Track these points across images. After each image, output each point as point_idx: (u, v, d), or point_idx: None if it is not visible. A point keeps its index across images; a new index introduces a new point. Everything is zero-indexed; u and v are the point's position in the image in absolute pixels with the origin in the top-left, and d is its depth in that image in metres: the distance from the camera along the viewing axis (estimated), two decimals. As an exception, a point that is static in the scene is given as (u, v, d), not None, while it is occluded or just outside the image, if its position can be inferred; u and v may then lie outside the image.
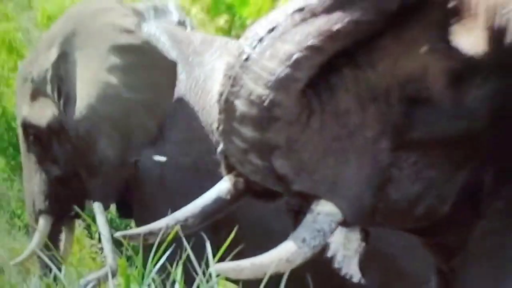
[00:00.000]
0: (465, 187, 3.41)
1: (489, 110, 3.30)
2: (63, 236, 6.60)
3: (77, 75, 6.03)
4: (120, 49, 5.97)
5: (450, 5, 3.22)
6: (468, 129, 3.31)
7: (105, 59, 5.87)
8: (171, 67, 6.03)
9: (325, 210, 3.33)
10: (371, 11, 3.16)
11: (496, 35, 3.19)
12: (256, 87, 3.17)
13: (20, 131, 6.48)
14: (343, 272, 3.94)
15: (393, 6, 3.17)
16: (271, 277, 3.44)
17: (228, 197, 3.47)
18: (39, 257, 6.15)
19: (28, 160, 6.31)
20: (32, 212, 6.43)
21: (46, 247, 6.09)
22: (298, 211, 3.43)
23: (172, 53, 6.30)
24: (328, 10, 3.16)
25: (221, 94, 3.27)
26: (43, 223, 6.35)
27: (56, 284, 4.28)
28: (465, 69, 3.25)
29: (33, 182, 6.34)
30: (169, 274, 3.89)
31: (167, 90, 6.16)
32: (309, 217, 3.33)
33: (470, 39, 3.29)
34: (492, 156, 3.38)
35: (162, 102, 6.07)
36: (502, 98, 3.31)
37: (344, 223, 3.37)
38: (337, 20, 3.13)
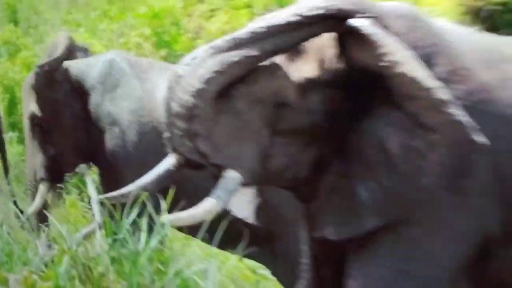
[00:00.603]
0: (313, 160, 4.71)
1: (322, 110, 4.64)
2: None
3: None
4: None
5: (296, 48, 4.69)
6: (310, 122, 4.62)
7: None
8: None
9: (231, 176, 4.57)
10: (256, 50, 4.49)
11: (321, 64, 4.66)
12: (184, 95, 4.55)
13: (27, 123, 7.97)
14: (240, 216, 5.23)
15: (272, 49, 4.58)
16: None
17: (174, 168, 4.71)
18: (39, 214, 7.77)
19: (32, 143, 7.92)
20: (33, 180, 8.04)
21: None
22: (216, 177, 4.60)
23: (128, 72, 7.79)
24: (229, 49, 4.49)
25: (165, 99, 4.61)
26: (43, 188, 7.84)
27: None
28: (307, 85, 4.63)
29: (35, 158, 7.87)
30: (138, 225, 4.95)
31: None
32: (222, 181, 4.56)
33: (309, 67, 4.66)
34: (327, 140, 4.67)
35: None
36: (330, 102, 4.65)
37: (244, 184, 4.63)
38: (234, 55, 4.46)
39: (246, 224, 5.21)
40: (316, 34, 4.51)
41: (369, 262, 4.55)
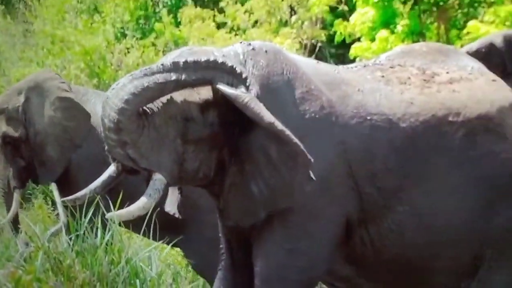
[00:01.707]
0: (217, 162, 4.70)
1: (219, 122, 4.65)
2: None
3: (35, 110, 7.49)
4: (59, 100, 7.62)
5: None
6: (211, 132, 4.64)
7: (51, 104, 7.52)
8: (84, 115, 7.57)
9: (158, 178, 4.57)
10: (163, 79, 4.49)
11: (215, 91, 4.63)
12: (111, 112, 4.47)
13: (-1, 141, 8.03)
14: (170, 211, 5.17)
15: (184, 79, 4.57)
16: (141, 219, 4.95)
17: (115, 174, 4.67)
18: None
19: (4, 157, 7.73)
20: (6, 188, 7.80)
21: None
22: (147, 179, 4.62)
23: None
24: (143, 76, 4.52)
25: (100, 116, 4.61)
26: (16, 195, 7.68)
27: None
28: (206, 104, 4.63)
29: (7, 170, 7.70)
30: (94, 223, 5.31)
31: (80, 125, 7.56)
32: (151, 182, 4.59)
33: (207, 91, 4.64)
34: (225, 146, 4.67)
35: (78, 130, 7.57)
36: (224, 116, 4.65)
37: (168, 184, 4.66)
38: (146, 81, 4.48)
39: (172, 216, 5.18)
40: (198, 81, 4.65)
41: (268, 244, 4.60)
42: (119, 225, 5.03)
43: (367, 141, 4.54)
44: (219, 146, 4.63)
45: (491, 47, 5.07)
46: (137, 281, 4.83)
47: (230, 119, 4.59)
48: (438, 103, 4.61)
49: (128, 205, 4.73)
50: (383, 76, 4.72)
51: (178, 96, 4.55)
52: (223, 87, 4.48)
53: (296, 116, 4.53)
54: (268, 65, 4.60)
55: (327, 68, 4.83)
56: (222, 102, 4.56)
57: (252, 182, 4.55)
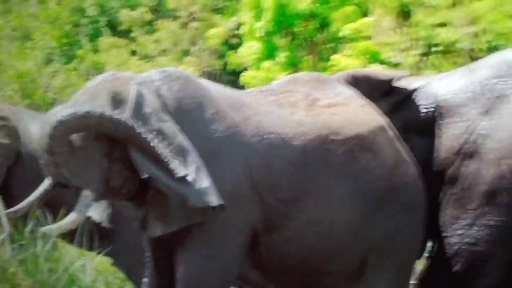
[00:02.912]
0: (139, 178, 4.27)
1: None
2: None
3: None
4: None
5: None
6: (109, 152, 4.31)
7: None
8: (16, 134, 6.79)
9: (86, 194, 4.25)
10: (88, 107, 4.24)
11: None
12: (46, 137, 4.19)
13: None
14: (98, 221, 4.82)
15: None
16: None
17: (50, 187, 4.33)
18: None
19: None
20: None
21: None
22: (78, 194, 4.27)
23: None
24: (73, 106, 4.29)
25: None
26: None
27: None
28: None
29: None
30: (35, 233, 4.99)
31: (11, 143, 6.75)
32: (80, 198, 4.28)
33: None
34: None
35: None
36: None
37: (95, 199, 4.35)
38: (76, 110, 4.20)
39: (101, 226, 4.91)
40: None
41: (187, 251, 4.37)
42: (57, 236, 4.74)
43: (266, 157, 4.41)
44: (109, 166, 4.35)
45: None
46: (74, 288, 4.71)
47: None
48: (321, 124, 4.54)
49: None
50: (275, 100, 4.64)
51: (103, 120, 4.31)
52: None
53: (207, 135, 4.38)
54: (181, 89, 4.44)
55: (230, 92, 4.73)
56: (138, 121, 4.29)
57: (171, 199, 4.30)
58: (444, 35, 9.84)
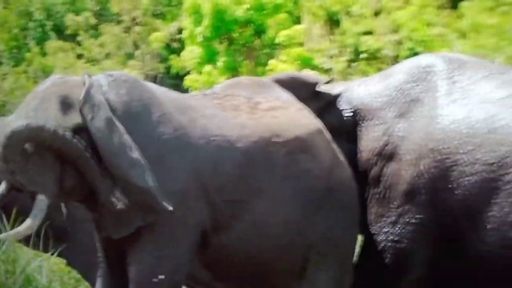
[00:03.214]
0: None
1: (89, 145, 4.14)
2: None
3: None
4: None
5: None
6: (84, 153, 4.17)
7: None
8: None
9: (41, 198, 4.09)
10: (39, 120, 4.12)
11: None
12: (1, 147, 4.02)
13: None
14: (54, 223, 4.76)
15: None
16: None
17: (5, 192, 4.18)
18: None
19: None
20: None
21: None
22: (33, 198, 4.12)
23: None
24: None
25: None
26: None
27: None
28: (76, 129, 4.12)
29: None
30: None
31: None
32: (36, 203, 4.11)
33: (79, 117, 4.15)
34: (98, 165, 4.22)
35: None
36: (91, 140, 4.18)
37: (50, 202, 4.13)
38: (26, 125, 4.05)
39: (55, 227, 4.85)
40: None
41: (139, 252, 4.29)
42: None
43: (213, 158, 4.33)
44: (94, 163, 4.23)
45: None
46: (30, 288, 4.58)
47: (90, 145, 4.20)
48: (263, 126, 4.51)
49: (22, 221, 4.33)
50: (219, 104, 4.57)
51: (52, 123, 4.16)
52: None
53: (154, 137, 4.29)
54: (128, 92, 4.34)
55: (176, 95, 4.61)
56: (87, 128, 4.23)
57: (126, 199, 4.17)
58: (370, 42, 10.13)
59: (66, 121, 4.20)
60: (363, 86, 4.80)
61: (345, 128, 4.74)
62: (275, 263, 4.52)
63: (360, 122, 4.70)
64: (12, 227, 4.46)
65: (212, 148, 4.36)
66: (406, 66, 4.70)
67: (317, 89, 4.86)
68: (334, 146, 4.66)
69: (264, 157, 4.46)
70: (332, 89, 4.89)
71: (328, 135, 4.66)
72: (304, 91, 4.89)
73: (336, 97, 4.82)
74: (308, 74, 5.65)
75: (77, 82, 4.36)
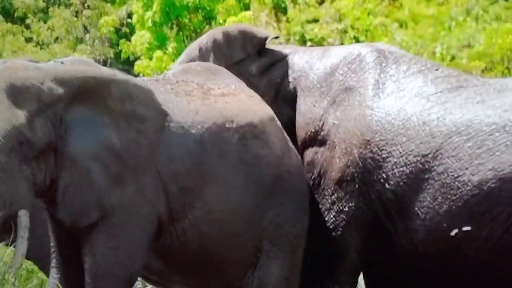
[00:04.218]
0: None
1: (47, 131, 4.08)
2: None
3: None
4: None
5: None
6: (45, 142, 4.06)
7: None
8: None
9: (21, 213, 4.06)
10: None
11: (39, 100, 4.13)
12: None
13: None
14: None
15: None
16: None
17: None
18: None
19: None
20: None
21: None
22: (14, 222, 4.07)
23: None
24: None
25: None
26: None
27: None
28: (30, 119, 4.04)
29: None
30: None
31: None
32: (18, 221, 4.06)
33: (30, 107, 4.07)
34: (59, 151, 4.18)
35: None
36: (50, 124, 4.12)
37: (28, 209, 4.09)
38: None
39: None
40: None
41: (94, 243, 4.28)
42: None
43: (168, 145, 4.34)
44: (54, 150, 4.18)
45: (214, 43, 5.03)
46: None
47: (59, 124, 4.16)
48: (217, 112, 4.53)
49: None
50: (172, 89, 4.56)
51: (7, 125, 4.09)
52: None
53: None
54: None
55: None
56: (49, 107, 4.14)
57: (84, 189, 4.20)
58: (315, 31, 10.34)
59: (17, 118, 4.10)
60: (307, 56, 4.86)
61: (285, 92, 4.82)
62: (227, 253, 4.55)
63: (300, 92, 4.78)
64: None
65: (166, 135, 4.35)
66: (342, 53, 4.78)
67: (266, 45, 4.89)
68: (284, 133, 4.74)
69: (218, 143, 4.48)
70: (280, 49, 4.96)
71: (278, 123, 4.73)
72: (252, 46, 4.94)
73: (283, 57, 4.88)
74: (258, 29, 5.47)
75: (27, 67, 4.23)
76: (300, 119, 4.79)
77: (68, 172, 4.19)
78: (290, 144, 4.74)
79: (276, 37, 5.18)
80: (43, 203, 4.34)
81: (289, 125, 4.77)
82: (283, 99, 4.84)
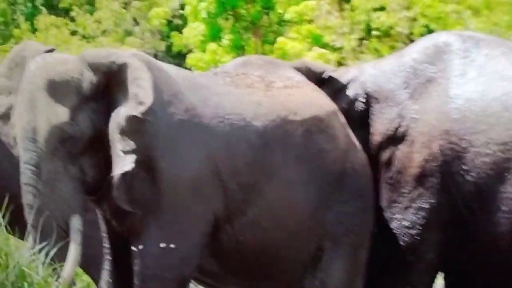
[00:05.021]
0: (105, 160, 4.26)
1: (93, 121, 4.27)
2: None
3: None
4: None
5: None
6: (90, 134, 4.21)
7: None
8: None
9: (75, 219, 4.26)
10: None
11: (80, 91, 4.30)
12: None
13: None
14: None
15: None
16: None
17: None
18: None
19: None
20: None
21: None
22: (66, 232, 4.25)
23: None
24: None
25: None
26: None
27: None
28: (72, 112, 4.19)
29: None
30: None
31: None
32: (70, 225, 4.24)
33: (71, 102, 4.22)
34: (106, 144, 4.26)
35: None
36: (96, 114, 4.29)
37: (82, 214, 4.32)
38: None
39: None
40: None
41: (144, 243, 4.31)
42: (6, 230, 4.43)
43: (227, 139, 4.38)
44: (102, 142, 4.26)
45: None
46: (25, 284, 4.41)
47: (104, 113, 4.24)
48: (280, 104, 4.58)
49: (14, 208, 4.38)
50: (232, 81, 4.62)
51: (47, 125, 4.20)
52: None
53: (165, 117, 4.31)
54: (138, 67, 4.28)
55: (186, 74, 4.69)
56: (91, 98, 4.24)
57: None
58: (382, 19, 10.37)
59: (57, 114, 4.18)
60: (377, 67, 4.98)
61: (356, 114, 4.86)
62: (288, 252, 4.54)
63: (373, 105, 4.83)
64: (4, 216, 4.39)
65: (225, 128, 4.39)
66: (420, 45, 4.88)
67: (326, 76, 5.01)
68: (349, 129, 4.77)
69: (281, 136, 4.50)
70: (342, 75, 5.06)
71: (343, 118, 4.75)
72: (313, 79, 5.00)
73: (345, 84, 4.98)
74: (315, 63, 5.72)
75: (78, 61, 4.32)
76: (374, 127, 4.82)
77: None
78: (355, 140, 4.75)
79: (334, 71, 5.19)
80: (92, 203, 4.41)
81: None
82: (353, 124, 4.84)
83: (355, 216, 4.68)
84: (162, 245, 4.27)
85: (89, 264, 5.18)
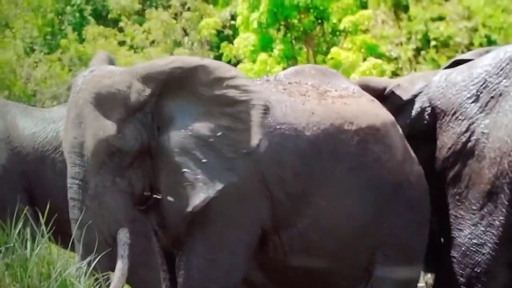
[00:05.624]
0: (152, 171, 4.45)
1: (137, 137, 4.45)
2: None
3: None
4: None
5: None
6: (137, 146, 4.35)
7: None
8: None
9: (123, 233, 4.46)
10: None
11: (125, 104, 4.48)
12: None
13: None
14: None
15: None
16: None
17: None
18: None
19: None
20: None
21: None
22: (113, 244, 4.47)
23: None
24: None
25: None
26: None
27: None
28: (119, 125, 4.37)
29: None
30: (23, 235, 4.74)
31: None
32: (118, 240, 4.44)
33: (116, 114, 4.37)
34: (150, 155, 4.45)
35: None
36: (143, 125, 4.44)
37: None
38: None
39: None
40: None
41: (189, 255, 4.42)
42: (49, 239, 4.64)
43: (277, 149, 4.45)
44: (149, 153, 4.41)
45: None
46: (68, 294, 4.58)
47: (151, 124, 4.39)
48: (334, 113, 4.63)
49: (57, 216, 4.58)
50: (285, 89, 4.70)
51: (94, 140, 4.34)
52: None
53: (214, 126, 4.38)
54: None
55: None
56: (138, 110, 4.36)
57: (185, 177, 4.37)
58: (440, 29, 10.42)
59: (103, 127, 4.31)
60: (443, 80, 5.03)
61: (422, 127, 5.01)
62: (338, 265, 4.59)
63: (440, 118, 4.93)
64: (46, 224, 4.52)
65: (275, 137, 4.45)
66: (492, 58, 4.93)
67: (389, 92, 5.17)
68: (406, 141, 4.86)
69: (335, 145, 4.57)
70: (407, 88, 5.18)
71: (400, 129, 4.87)
72: (376, 95, 5.11)
73: (411, 98, 5.10)
74: (377, 80, 5.90)
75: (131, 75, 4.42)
76: (442, 140, 4.90)
77: (165, 171, 4.35)
78: (412, 152, 4.84)
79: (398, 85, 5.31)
80: (140, 214, 4.54)
81: (425, 163, 4.89)
82: (418, 139, 4.95)
83: (409, 230, 4.72)
84: (208, 256, 4.37)
85: (131, 274, 5.20)
